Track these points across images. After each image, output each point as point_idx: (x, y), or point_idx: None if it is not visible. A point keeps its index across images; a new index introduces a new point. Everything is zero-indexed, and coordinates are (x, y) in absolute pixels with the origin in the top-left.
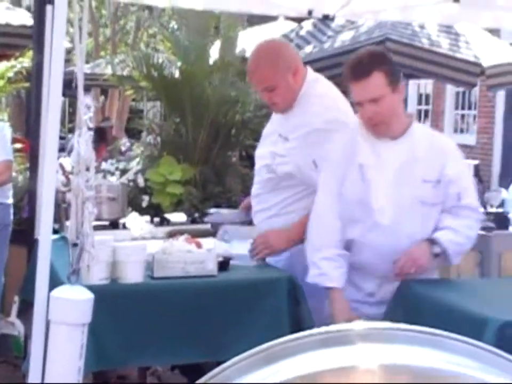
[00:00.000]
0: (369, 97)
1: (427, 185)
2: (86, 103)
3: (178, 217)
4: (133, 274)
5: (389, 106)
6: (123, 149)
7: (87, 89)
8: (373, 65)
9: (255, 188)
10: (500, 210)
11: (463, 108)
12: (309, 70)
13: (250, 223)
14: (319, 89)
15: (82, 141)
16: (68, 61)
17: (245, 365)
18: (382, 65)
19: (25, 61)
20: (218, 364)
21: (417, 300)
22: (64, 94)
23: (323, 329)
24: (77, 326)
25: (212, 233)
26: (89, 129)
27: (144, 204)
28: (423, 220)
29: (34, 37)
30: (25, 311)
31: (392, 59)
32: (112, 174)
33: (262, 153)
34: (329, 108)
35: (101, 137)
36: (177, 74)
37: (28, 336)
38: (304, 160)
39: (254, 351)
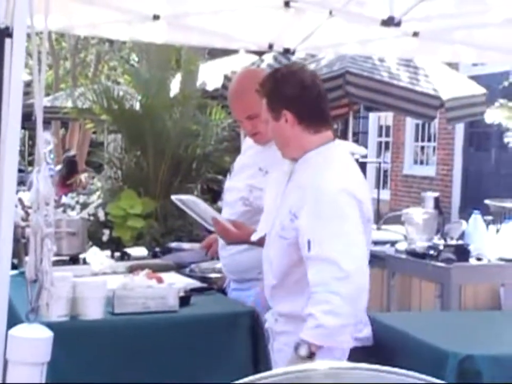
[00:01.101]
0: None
1: (288, 217)
2: (45, 138)
3: (139, 251)
4: (93, 311)
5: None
6: (83, 182)
7: (47, 122)
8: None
9: None
10: (460, 242)
11: (423, 140)
12: None
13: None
14: None
15: (41, 177)
16: (27, 94)
17: None
18: (264, 91)
19: None
20: None
21: (379, 333)
22: (24, 127)
23: (286, 369)
24: (36, 365)
25: (173, 268)
26: (50, 163)
27: (105, 238)
28: (280, 252)
29: None
30: None
31: (288, 83)
32: (73, 208)
33: (237, 185)
34: None
35: (72, 168)
36: (137, 107)
37: None
38: None
39: None
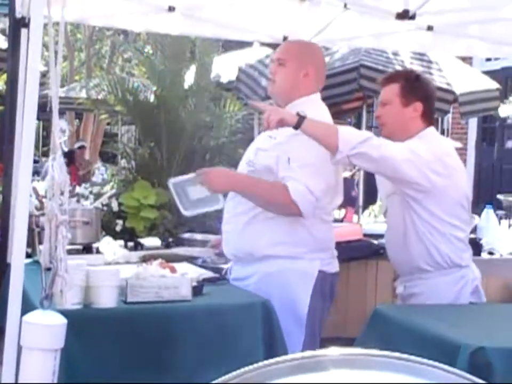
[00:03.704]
0: (381, 99)
1: None
2: (61, 127)
3: (152, 241)
4: (106, 299)
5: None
6: (97, 172)
7: (61, 112)
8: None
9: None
10: (472, 236)
11: None
12: (318, 94)
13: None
14: (318, 110)
15: (57, 165)
16: (42, 84)
17: None
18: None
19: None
20: None
21: (390, 325)
22: (38, 118)
23: (297, 355)
24: (50, 351)
25: (186, 258)
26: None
27: (118, 228)
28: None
29: (8, 60)
30: None
31: (427, 85)
32: (86, 198)
33: (246, 154)
34: None
35: (70, 160)
36: (152, 98)
37: None
38: (282, 154)
39: (228, 377)
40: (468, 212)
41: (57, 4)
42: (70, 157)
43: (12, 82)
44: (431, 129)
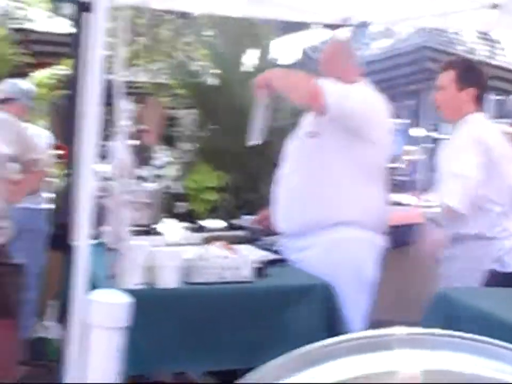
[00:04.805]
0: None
1: None
2: (127, 108)
3: (215, 223)
4: (168, 279)
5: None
6: (159, 155)
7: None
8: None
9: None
10: None
11: (501, 117)
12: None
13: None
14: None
15: (122, 147)
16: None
17: (284, 367)
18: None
19: (65, 69)
20: (251, 370)
21: (454, 308)
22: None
23: (363, 333)
24: (116, 329)
25: (248, 240)
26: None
27: (179, 210)
28: None
29: (73, 45)
30: (63, 315)
31: (481, 74)
32: (148, 180)
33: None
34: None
35: None
36: (213, 81)
37: (64, 340)
38: None
39: (293, 354)
40: None
41: None
42: None
43: (77, 68)
44: (479, 115)
